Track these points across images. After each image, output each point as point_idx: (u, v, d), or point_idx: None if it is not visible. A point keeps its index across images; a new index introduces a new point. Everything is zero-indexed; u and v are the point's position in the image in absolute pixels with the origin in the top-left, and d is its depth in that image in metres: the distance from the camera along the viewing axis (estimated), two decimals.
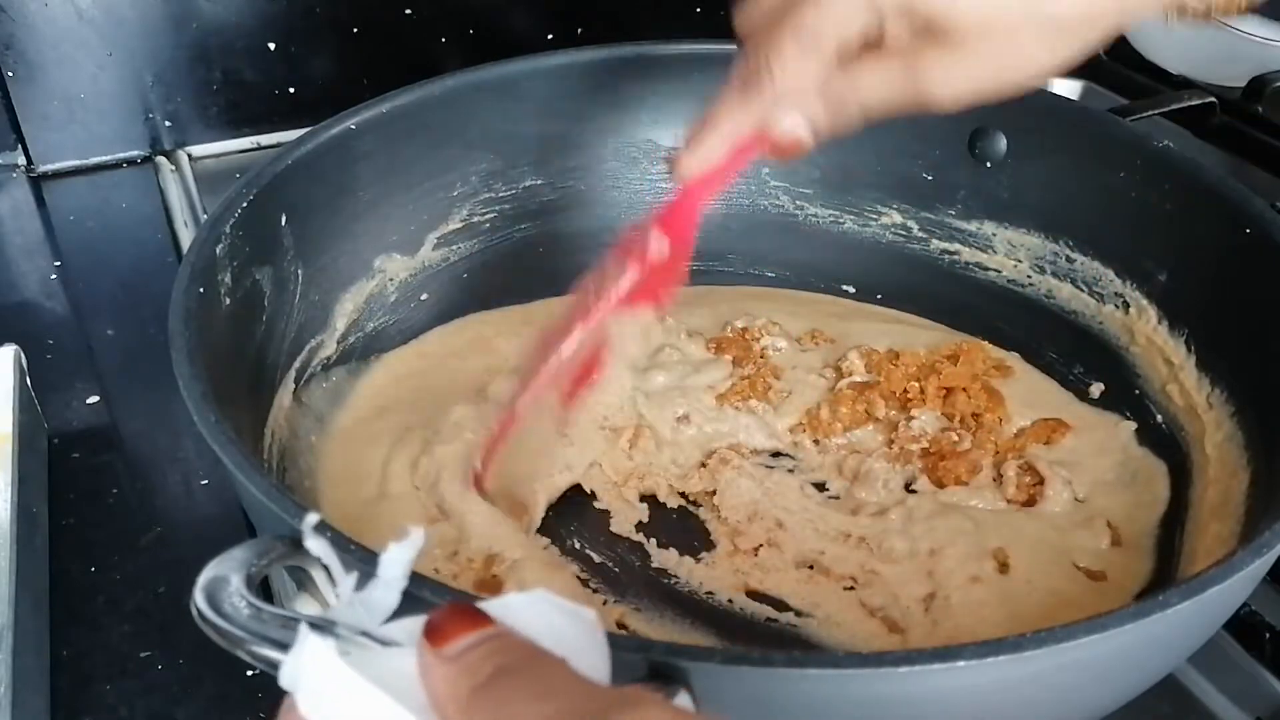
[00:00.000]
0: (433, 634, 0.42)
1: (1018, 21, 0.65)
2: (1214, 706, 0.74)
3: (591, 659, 0.43)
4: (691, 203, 0.76)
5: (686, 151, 0.73)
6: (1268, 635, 0.75)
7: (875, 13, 0.66)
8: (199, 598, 0.48)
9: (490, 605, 0.44)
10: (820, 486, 0.88)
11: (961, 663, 0.51)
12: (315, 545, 0.50)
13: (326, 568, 0.51)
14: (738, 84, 0.70)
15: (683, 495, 0.88)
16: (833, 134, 0.71)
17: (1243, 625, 0.76)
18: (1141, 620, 0.53)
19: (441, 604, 0.43)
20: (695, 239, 0.78)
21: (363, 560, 0.49)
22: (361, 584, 0.47)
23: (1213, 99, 1.29)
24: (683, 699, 0.47)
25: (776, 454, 0.91)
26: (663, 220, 0.77)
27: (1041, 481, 0.85)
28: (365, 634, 0.44)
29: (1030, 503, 0.85)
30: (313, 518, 0.50)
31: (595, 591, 0.79)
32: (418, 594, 0.48)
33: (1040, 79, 0.69)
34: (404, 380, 0.95)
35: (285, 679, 0.42)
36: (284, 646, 0.44)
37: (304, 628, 0.42)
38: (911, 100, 0.68)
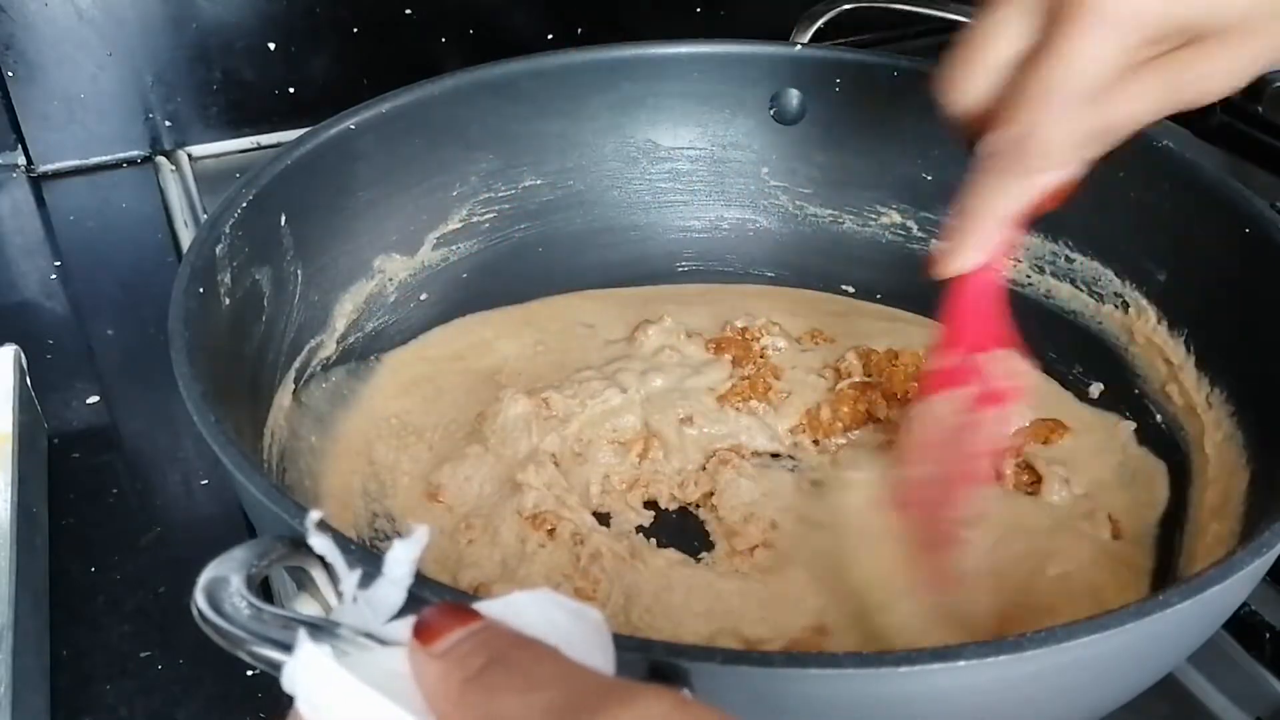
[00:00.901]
0: (423, 632, 0.42)
1: (1273, 6, 0.60)
2: (1214, 706, 0.74)
3: (596, 658, 0.43)
4: (984, 301, 0.72)
5: (953, 250, 0.69)
6: (1268, 635, 0.75)
7: (1129, 44, 0.61)
8: (199, 598, 0.48)
9: (493, 604, 0.44)
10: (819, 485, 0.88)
11: (962, 662, 0.51)
12: (319, 542, 0.50)
13: (327, 567, 0.51)
14: (992, 164, 0.65)
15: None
16: (1099, 157, 0.66)
17: (1243, 625, 0.76)
18: (1141, 620, 0.53)
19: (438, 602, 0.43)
20: (1001, 327, 0.74)
21: (363, 562, 0.49)
22: (366, 582, 0.47)
23: None
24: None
25: (775, 455, 0.91)
26: (968, 343, 0.73)
27: (1039, 480, 0.86)
28: (367, 634, 0.44)
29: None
30: (315, 515, 0.50)
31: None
32: (418, 594, 0.47)
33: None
34: (406, 383, 0.95)
35: (286, 682, 0.42)
36: (285, 647, 0.44)
37: (302, 633, 0.42)
38: (1180, 103, 0.63)
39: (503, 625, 0.42)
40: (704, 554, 0.83)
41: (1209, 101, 0.63)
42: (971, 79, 0.66)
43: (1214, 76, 0.62)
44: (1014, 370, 0.74)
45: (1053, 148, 0.63)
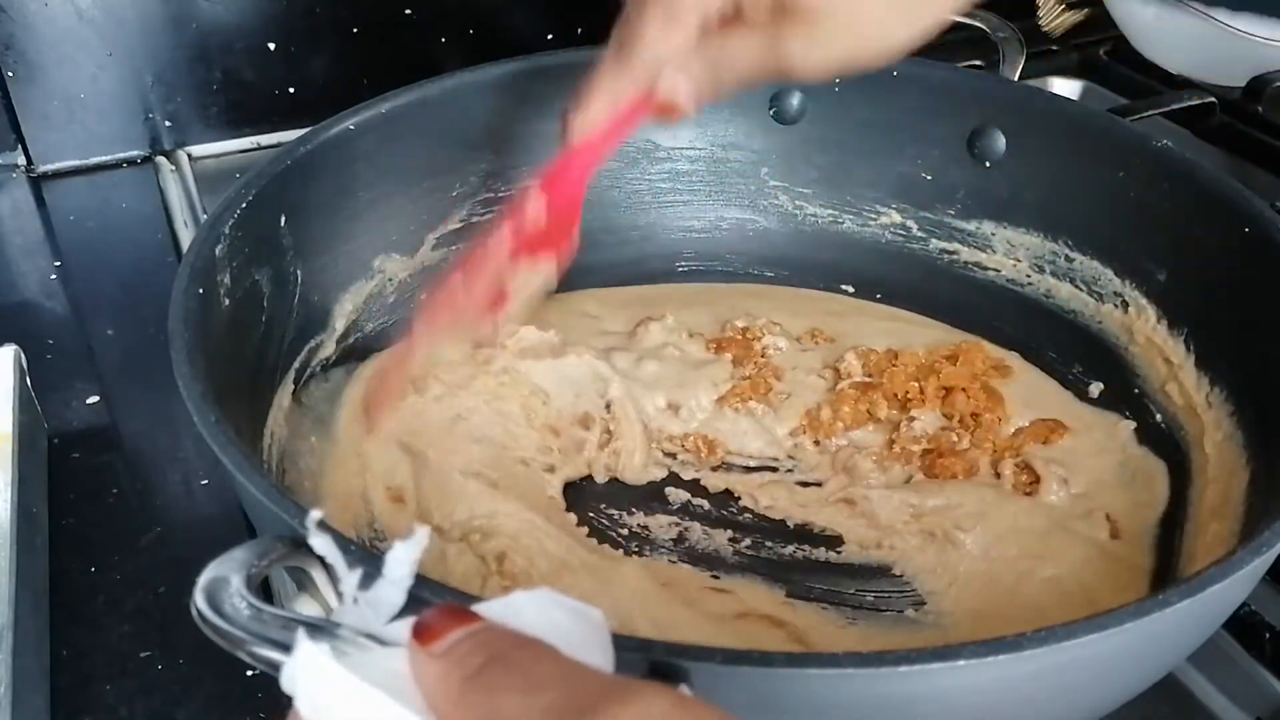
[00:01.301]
0: (422, 633, 0.42)
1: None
2: (1214, 706, 0.74)
3: (595, 657, 0.43)
4: (577, 165, 0.80)
5: (572, 113, 0.77)
6: (1268, 635, 0.75)
7: None
8: (199, 598, 0.48)
9: (493, 605, 0.44)
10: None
11: (961, 662, 0.51)
12: (319, 543, 0.50)
13: (327, 567, 0.51)
14: (613, 50, 0.75)
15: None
16: (711, 100, 0.75)
17: (1242, 625, 0.76)
18: (1141, 619, 0.53)
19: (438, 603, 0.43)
20: (581, 199, 0.82)
21: (364, 562, 0.49)
22: (366, 583, 0.47)
23: (1213, 99, 1.29)
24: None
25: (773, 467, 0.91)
26: (546, 182, 0.80)
27: (1038, 480, 0.86)
28: (367, 635, 0.44)
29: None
30: (315, 515, 0.50)
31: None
32: (418, 594, 0.47)
33: (900, 50, 0.73)
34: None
35: (286, 683, 0.42)
36: (284, 647, 0.44)
37: (301, 632, 0.42)
38: (776, 72, 0.72)
39: (502, 626, 0.42)
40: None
41: (814, 81, 0.74)
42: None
43: (811, 57, 0.72)
44: (539, 214, 0.81)
45: (651, 54, 0.73)
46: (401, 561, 0.47)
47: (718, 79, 0.74)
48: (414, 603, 0.46)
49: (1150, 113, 1.27)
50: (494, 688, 0.39)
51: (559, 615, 0.44)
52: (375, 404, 0.86)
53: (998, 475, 0.87)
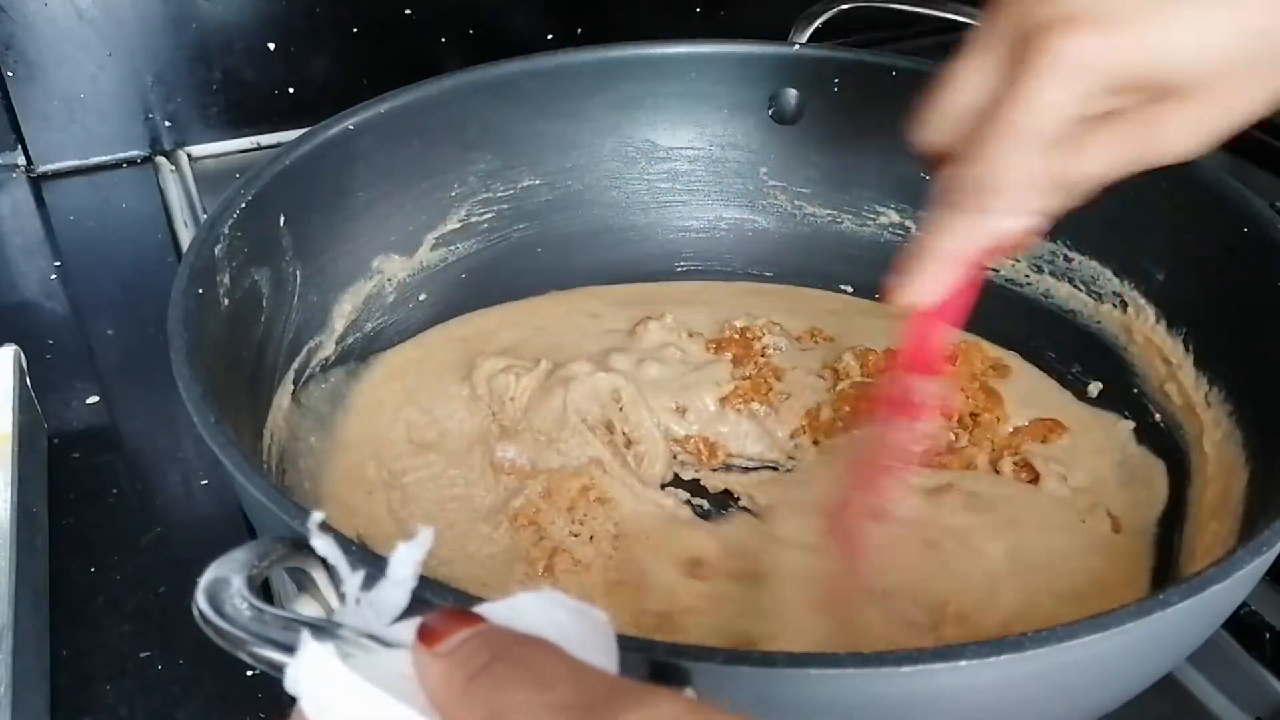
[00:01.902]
0: (426, 635, 0.42)
1: (1249, 63, 0.60)
2: (1214, 706, 0.74)
3: (600, 659, 0.43)
4: (929, 333, 0.73)
5: (906, 282, 0.68)
6: (1267, 635, 0.75)
7: (1089, 92, 0.60)
8: (200, 599, 0.48)
9: (497, 606, 0.44)
10: None
11: (963, 662, 0.51)
12: (321, 544, 0.50)
13: (329, 568, 0.51)
14: (950, 202, 0.65)
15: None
16: (1061, 212, 0.65)
17: (1242, 625, 0.76)
18: (1141, 619, 0.53)
19: (443, 604, 0.43)
20: (943, 359, 0.78)
21: (364, 563, 0.49)
22: (369, 584, 0.47)
23: None
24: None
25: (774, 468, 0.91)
26: (914, 364, 0.74)
27: (1036, 478, 0.86)
28: (370, 636, 0.44)
29: None
30: (318, 516, 0.50)
31: None
32: (421, 595, 0.47)
33: (1270, 107, 0.63)
34: (402, 378, 0.95)
35: (289, 683, 0.42)
36: (286, 648, 0.44)
37: (305, 633, 0.42)
38: (1144, 161, 0.62)
39: (506, 627, 0.42)
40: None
41: (1173, 161, 0.62)
42: (939, 119, 0.66)
43: (1185, 134, 0.61)
44: (934, 392, 0.75)
45: (1006, 188, 0.63)
46: (405, 562, 0.47)
47: (1071, 190, 0.64)
48: (417, 604, 0.46)
49: None
50: (500, 685, 0.39)
51: (563, 616, 0.44)
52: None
53: (996, 473, 0.87)
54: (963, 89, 0.64)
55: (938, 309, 0.69)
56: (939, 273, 0.67)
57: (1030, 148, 0.61)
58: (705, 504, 0.87)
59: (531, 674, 0.39)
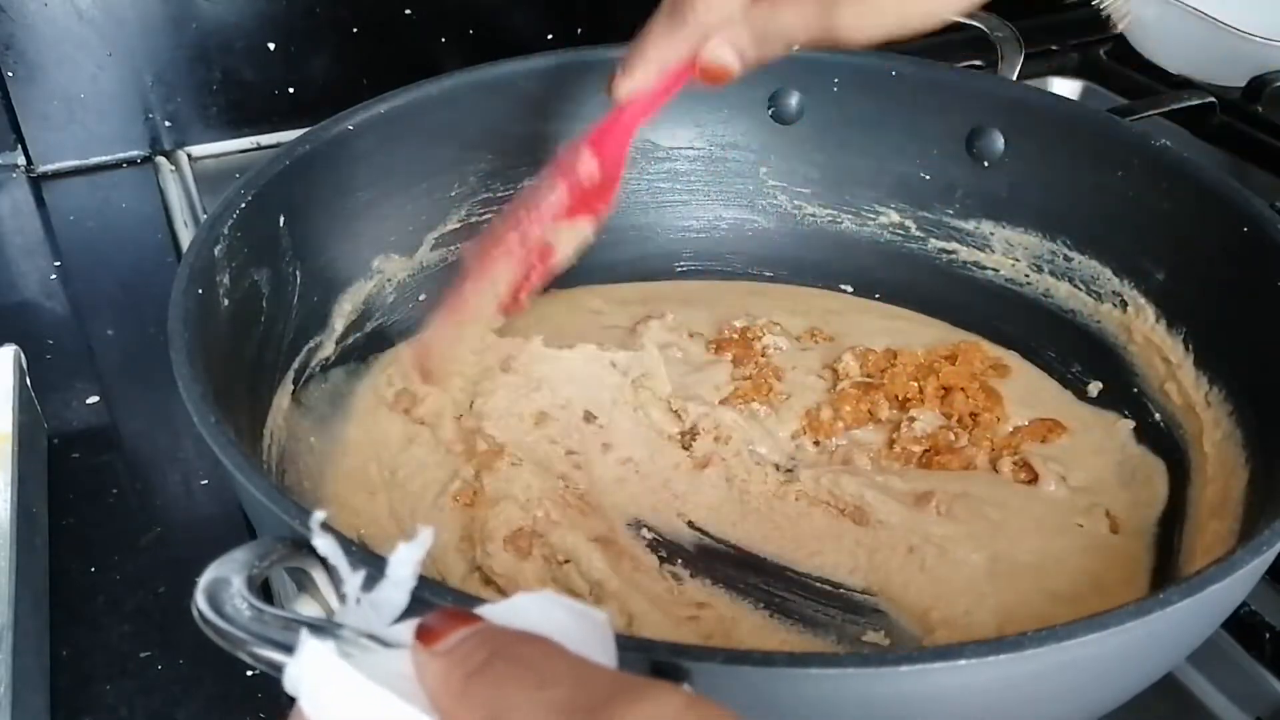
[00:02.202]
0: (425, 635, 0.42)
1: None
2: (1214, 706, 0.74)
3: (599, 658, 0.43)
4: (624, 125, 0.80)
5: (621, 75, 0.77)
6: (1267, 635, 0.75)
7: None
8: (200, 599, 0.48)
9: (497, 607, 0.44)
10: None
11: (962, 661, 0.51)
12: (322, 544, 0.50)
13: (328, 568, 0.51)
14: (665, 14, 0.75)
15: None
16: (758, 63, 0.75)
17: (1242, 625, 0.76)
18: (1141, 619, 0.53)
19: (444, 604, 0.43)
20: (625, 160, 0.82)
21: (364, 563, 0.49)
22: (369, 584, 0.47)
23: (1212, 99, 1.29)
24: None
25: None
26: (594, 141, 0.81)
27: (1036, 478, 0.86)
28: (369, 636, 0.44)
29: None
30: (319, 516, 0.50)
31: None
32: (420, 595, 0.47)
33: (947, 16, 0.74)
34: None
35: (289, 683, 0.42)
36: (285, 648, 0.44)
37: (304, 632, 0.42)
38: (827, 37, 0.71)
39: (505, 626, 0.42)
40: None
41: (862, 46, 0.73)
42: None
43: (861, 25, 0.71)
44: (587, 167, 0.81)
45: (706, 17, 0.73)
46: (405, 562, 0.47)
47: (764, 43, 0.73)
48: (417, 604, 0.46)
49: (1150, 113, 1.27)
50: (499, 683, 0.39)
51: (562, 616, 0.44)
52: (427, 354, 0.87)
53: (996, 472, 0.87)
54: None
55: (638, 106, 0.79)
56: (647, 70, 0.77)
57: None
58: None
59: (531, 671, 0.39)
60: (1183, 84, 1.35)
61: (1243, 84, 1.30)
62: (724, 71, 0.75)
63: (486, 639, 0.41)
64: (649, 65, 0.76)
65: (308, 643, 0.42)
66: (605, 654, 0.44)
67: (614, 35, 1.03)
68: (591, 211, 0.83)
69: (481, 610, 0.44)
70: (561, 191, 0.81)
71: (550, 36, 1.41)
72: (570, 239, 0.83)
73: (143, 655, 0.76)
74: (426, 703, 0.41)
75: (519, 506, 0.81)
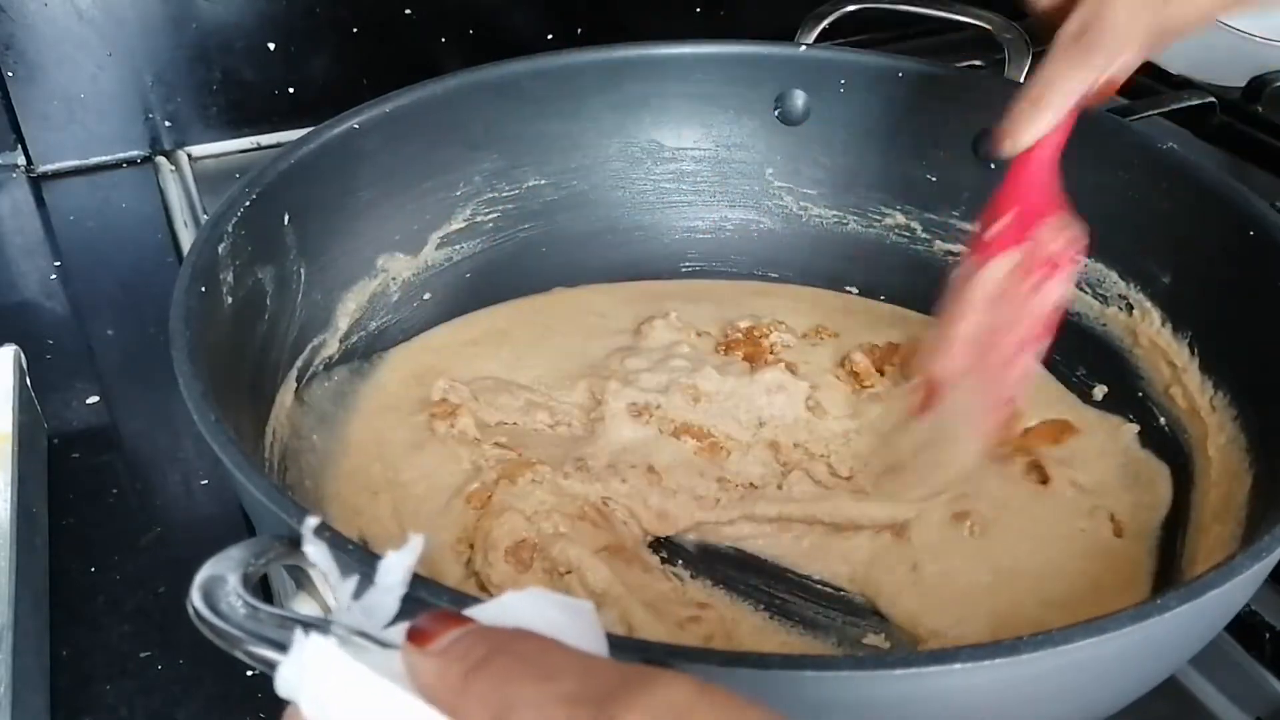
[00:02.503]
0: (416, 636, 0.42)
1: None
2: (1214, 707, 0.74)
3: (593, 648, 0.43)
4: (1047, 165, 0.79)
5: (1027, 117, 0.77)
6: (1268, 636, 0.75)
7: None
8: (196, 597, 0.48)
9: (487, 607, 0.44)
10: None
11: (958, 665, 0.51)
12: (313, 551, 0.49)
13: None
14: (1069, 44, 0.74)
15: None
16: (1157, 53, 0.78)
17: (1243, 626, 0.76)
18: (1140, 623, 0.53)
19: (438, 603, 0.43)
20: (1058, 191, 0.81)
21: (361, 564, 0.49)
22: (360, 590, 0.47)
23: (1213, 99, 1.30)
24: None
25: None
26: (1028, 205, 0.80)
27: (1046, 480, 0.86)
28: (366, 636, 0.44)
29: None
30: (312, 521, 0.50)
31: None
32: (414, 595, 0.47)
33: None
34: (411, 376, 0.96)
35: (282, 686, 0.42)
36: (281, 646, 0.44)
37: (299, 631, 0.42)
38: (1223, 10, 0.76)
39: (498, 625, 0.42)
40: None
41: (1251, 10, 0.71)
42: None
43: None
44: (1068, 238, 0.80)
45: (1115, 33, 0.72)
46: (394, 569, 0.47)
47: (1167, 35, 0.75)
48: (411, 604, 0.46)
49: (1150, 113, 1.27)
50: (504, 677, 0.39)
51: (552, 611, 0.43)
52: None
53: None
54: None
55: (1052, 141, 0.78)
56: (1053, 112, 0.76)
57: (1127, 6, 0.72)
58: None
59: (533, 665, 0.39)
60: (1183, 84, 1.35)
61: (1243, 84, 1.30)
62: (1120, 82, 0.76)
63: (483, 637, 0.41)
64: (1063, 99, 0.76)
65: (311, 637, 0.41)
66: (597, 645, 0.44)
67: (614, 35, 1.04)
68: (1059, 264, 0.80)
69: (471, 611, 0.44)
70: (1037, 276, 0.80)
71: (550, 36, 1.41)
72: (1056, 293, 0.81)
73: (143, 655, 0.76)
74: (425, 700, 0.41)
75: (525, 519, 0.80)
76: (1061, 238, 0.80)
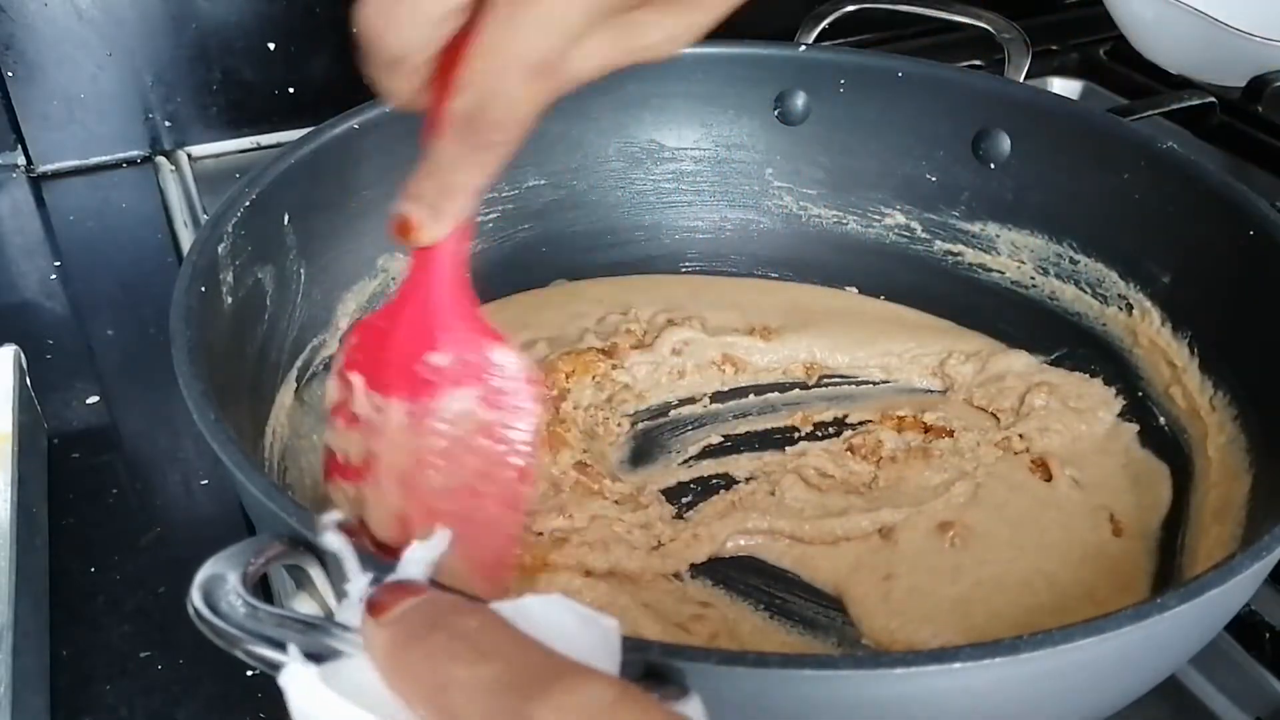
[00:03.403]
0: (374, 607, 0.42)
1: None
2: (1214, 707, 0.74)
3: (604, 664, 0.43)
4: (452, 271, 0.63)
5: (422, 219, 0.61)
6: (1268, 635, 0.75)
7: (593, 11, 0.56)
8: (195, 596, 0.48)
9: (503, 607, 0.44)
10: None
11: (957, 664, 0.50)
12: (334, 542, 0.49)
13: (329, 568, 0.51)
14: (453, 134, 0.58)
15: None
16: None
17: (1243, 626, 0.76)
18: (1139, 623, 0.53)
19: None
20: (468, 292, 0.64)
21: (380, 562, 0.49)
22: (377, 583, 0.47)
23: (1212, 99, 1.30)
24: (693, 702, 0.46)
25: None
26: (461, 323, 0.63)
27: (1049, 479, 0.86)
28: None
29: None
30: (331, 517, 0.50)
31: None
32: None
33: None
34: None
35: (281, 684, 0.42)
36: (281, 646, 0.44)
37: (292, 649, 0.42)
38: (633, 59, 0.60)
39: (448, 595, 0.42)
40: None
41: (661, 59, 0.60)
42: (407, 26, 0.57)
43: (662, 39, 0.59)
44: (517, 368, 0.62)
45: (510, 119, 0.58)
46: (417, 562, 0.47)
47: (562, 88, 0.60)
48: None
49: (1150, 113, 1.27)
50: (436, 654, 0.39)
51: (568, 620, 0.43)
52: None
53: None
54: None
55: (454, 244, 0.62)
56: (455, 205, 0.61)
57: (529, 75, 0.56)
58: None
59: (467, 644, 0.39)
60: (1183, 84, 1.35)
61: (1243, 84, 1.30)
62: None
63: (428, 610, 0.41)
64: (455, 198, 0.61)
65: (291, 665, 0.42)
66: (610, 661, 0.44)
67: None
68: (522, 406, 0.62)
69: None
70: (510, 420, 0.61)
71: None
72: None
73: (143, 655, 0.76)
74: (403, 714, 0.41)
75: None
76: (512, 370, 0.62)
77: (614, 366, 0.93)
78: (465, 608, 0.41)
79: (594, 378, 0.90)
